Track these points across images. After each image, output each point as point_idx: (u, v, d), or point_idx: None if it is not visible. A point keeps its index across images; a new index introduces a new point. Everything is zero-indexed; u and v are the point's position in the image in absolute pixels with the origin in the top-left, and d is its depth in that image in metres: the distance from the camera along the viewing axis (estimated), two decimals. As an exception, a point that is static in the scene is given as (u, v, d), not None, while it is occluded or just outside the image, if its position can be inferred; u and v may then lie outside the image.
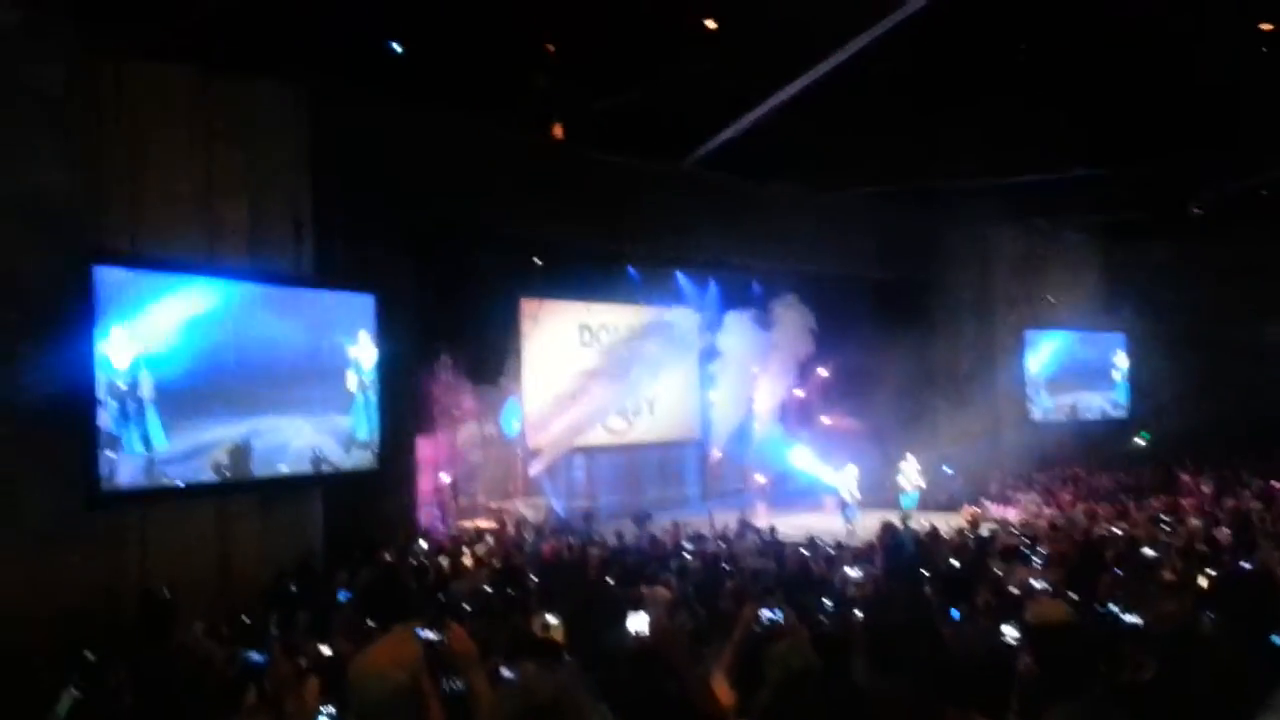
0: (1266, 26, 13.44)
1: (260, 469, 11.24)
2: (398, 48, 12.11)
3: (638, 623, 3.42)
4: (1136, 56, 13.74)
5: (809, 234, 18.31)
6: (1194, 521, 12.92)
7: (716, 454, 21.39)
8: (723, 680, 4.04)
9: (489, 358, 17.61)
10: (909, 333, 19.19)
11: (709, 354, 20.58)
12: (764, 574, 9.87)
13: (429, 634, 3.12)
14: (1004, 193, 18.46)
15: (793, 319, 19.55)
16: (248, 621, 7.91)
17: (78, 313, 9.62)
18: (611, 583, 8.97)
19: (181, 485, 10.53)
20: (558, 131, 14.97)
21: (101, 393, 9.82)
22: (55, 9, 9.64)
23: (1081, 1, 12.23)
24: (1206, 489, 17.01)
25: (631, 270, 18.96)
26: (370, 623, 6.81)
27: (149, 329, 10.27)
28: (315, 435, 11.83)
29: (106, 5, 9.84)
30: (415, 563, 11.05)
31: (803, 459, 20.74)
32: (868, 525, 15.01)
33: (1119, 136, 16.30)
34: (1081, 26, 12.84)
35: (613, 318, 19.72)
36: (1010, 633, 4.31)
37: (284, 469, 11.51)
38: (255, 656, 4.36)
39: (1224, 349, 22.04)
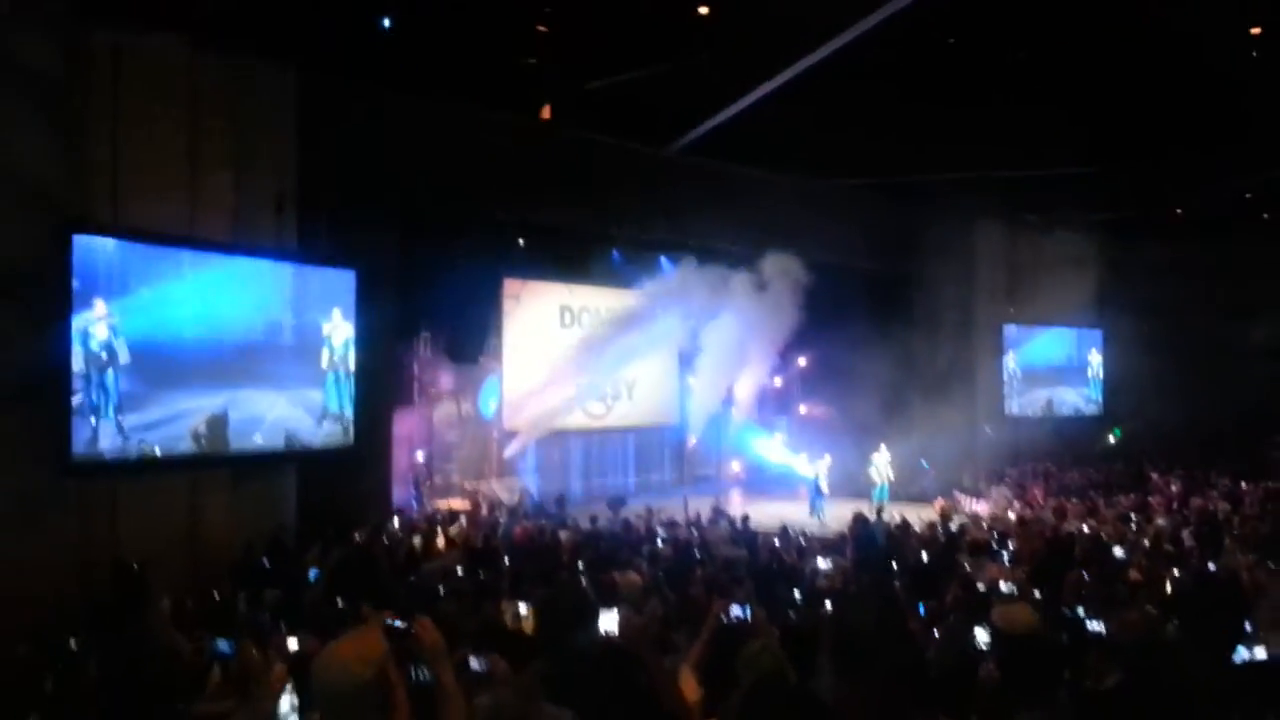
0: (1256, 30, 13.48)
1: (236, 439, 11.26)
2: (387, 24, 11.98)
3: (608, 621, 3.42)
4: (1127, 55, 13.76)
5: (795, 222, 18.23)
6: (1161, 520, 13.08)
7: (693, 440, 21.42)
8: (690, 676, 4.06)
9: (470, 337, 17.57)
10: (890, 324, 19.24)
11: (700, 321, 19.89)
12: (735, 562, 9.92)
13: (397, 623, 3.10)
14: (989, 188, 18.52)
15: (786, 271, 18.88)
16: (216, 598, 7.88)
17: (56, 282, 9.56)
18: (583, 568, 8.98)
19: (158, 454, 10.54)
20: (546, 113, 14.88)
21: (79, 362, 9.80)
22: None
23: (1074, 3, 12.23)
24: (1175, 488, 17.19)
25: (615, 253, 18.89)
26: (340, 603, 6.80)
27: (128, 299, 10.23)
28: (289, 408, 11.85)
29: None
30: (387, 542, 11.03)
31: (774, 449, 20.78)
32: (838, 515, 15.11)
33: (1105, 134, 16.34)
34: (1073, 24, 12.83)
35: (594, 300, 19.67)
36: (982, 637, 4.34)
37: (259, 439, 11.52)
38: (223, 646, 4.36)
39: (1201, 349, 22.23)
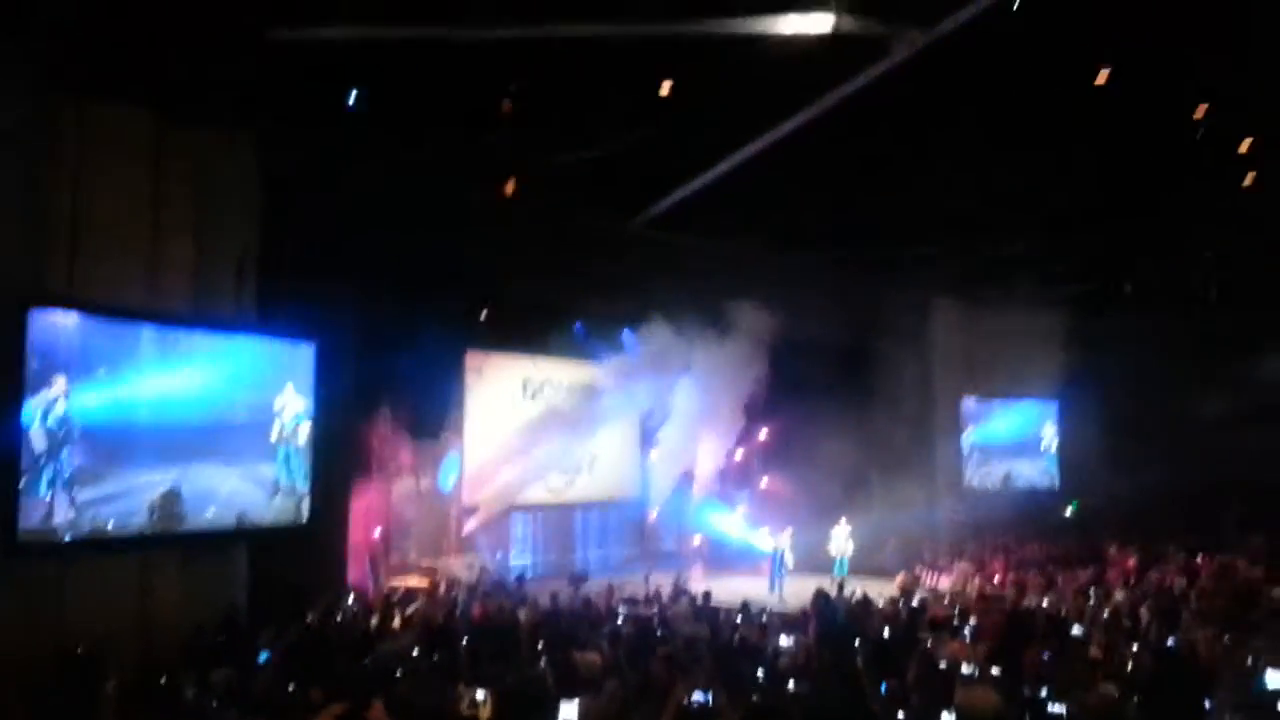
0: (1201, 110, 13.94)
1: (190, 515, 11.09)
2: (352, 101, 12.08)
3: (568, 710, 3.37)
4: (1082, 130, 14.16)
5: (756, 296, 18.39)
6: (1119, 595, 13.13)
7: (654, 514, 21.29)
8: (651, 764, 4.00)
9: (431, 411, 17.38)
10: (850, 399, 19.36)
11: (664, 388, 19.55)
12: (697, 640, 9.80)
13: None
14: (946, 263, 18.85)
15: (749, 324, 18.84)
16: (163, 683, 7.65)
17: (13, 357, 9.45)
18: (542, 648, 8.85)
19: (110, 530, 10.36)
20: (510, 188, 15.03)
21: (35, 439, 9.67)
22: (16, 48, 9.56)
23: (1028, 82, 12.60)
24: (1131, 562, 17.27)
25: (578, 325, 18.92)
26: (291, 687, 6.65)
27: (86, 374, 10.13)
28: (240, 483, 11.70)
29: (67, 47, 9.79)
30: (342, 621, 10.81)
31: (735, 524, 20.71)
32: (798, 591, 15.04)
33: (1059, 210, 16.73)
34: (1029, 103, 13.21)
35: (557, 373, 19.65)
36: (946, 720, 4.32)
37: (213, 513, 11.35)
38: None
39: (1158, 421, 22.49)
